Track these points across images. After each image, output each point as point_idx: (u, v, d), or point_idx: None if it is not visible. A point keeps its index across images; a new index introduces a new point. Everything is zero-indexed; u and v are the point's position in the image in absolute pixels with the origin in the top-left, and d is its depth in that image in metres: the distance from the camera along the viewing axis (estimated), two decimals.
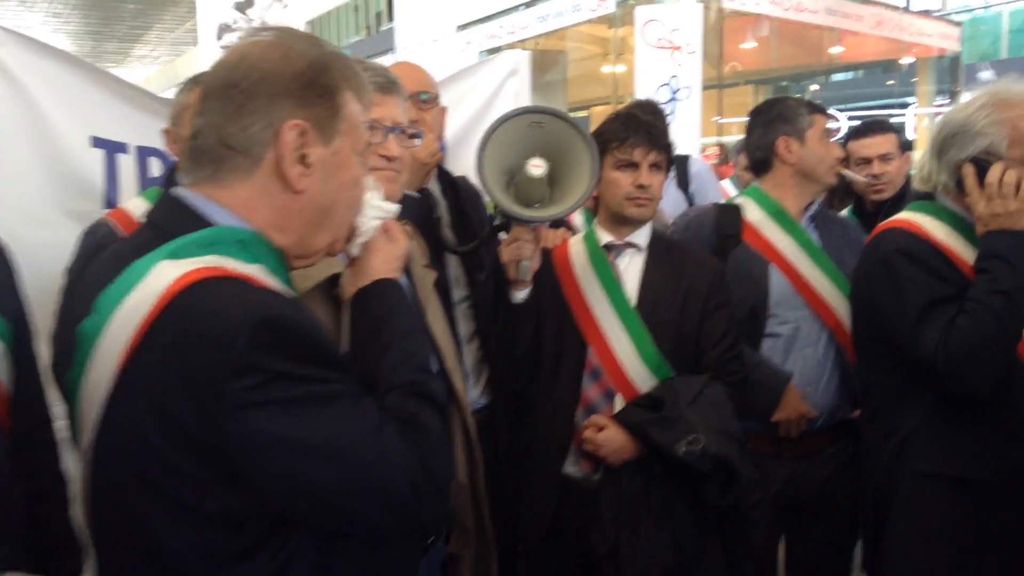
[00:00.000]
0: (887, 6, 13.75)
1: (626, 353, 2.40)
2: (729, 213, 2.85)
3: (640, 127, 2.44)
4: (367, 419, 1.20)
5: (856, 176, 3.64)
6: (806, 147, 2.81)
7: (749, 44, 14.42)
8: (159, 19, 25.76)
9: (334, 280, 1.57)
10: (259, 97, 1.25)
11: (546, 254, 2.53)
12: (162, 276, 1.13)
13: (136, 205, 2.69)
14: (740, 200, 2.92)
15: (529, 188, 2.21)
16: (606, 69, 14.86)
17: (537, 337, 2.46)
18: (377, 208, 1.47)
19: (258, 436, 1.10)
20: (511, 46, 13.10)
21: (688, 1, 9.64)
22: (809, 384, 2.73)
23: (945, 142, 2.18)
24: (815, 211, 2.89)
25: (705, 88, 9.13)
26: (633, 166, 2.44)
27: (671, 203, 3.99)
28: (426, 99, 2.62)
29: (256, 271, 1.21)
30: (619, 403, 2.40)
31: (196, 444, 1.10)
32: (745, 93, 16.86)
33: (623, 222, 2.50)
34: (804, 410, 2.70)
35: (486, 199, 2.66)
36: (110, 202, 3.07)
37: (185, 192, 1.28)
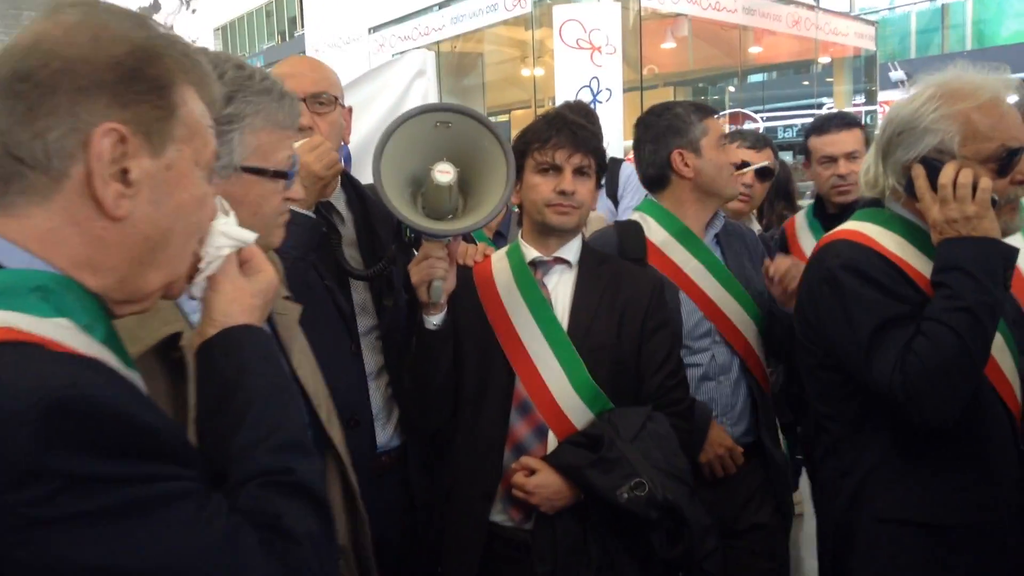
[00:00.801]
0: (804, 5, 13.85)
1: (558, 383, 2.13)
2: (631, 233, 2.61)
3: (564, 127, 2.17)
4: (214, 528, 0.88)
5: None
6: (703, 158, 2.58)
7: (668, 45, 14.39)
8: None
9: (174, 341, 1.23)
10: (60, 93, 0.92)
11: (466, 273, 2.24)
12: None
13: None
14: (637, 217, 2.68)
15: (437, 198, 1.94)
16: (525, 72, 14.68)
17: (457, 368, 2.17)
18: (226, 235, 1.14)
19: (53, 566, 0.79)
20: (427, 48, 12.82)
21: (606, 0, 9.47)
22: (726, 413, 2.57)
23: (891, 142, 1.94)
24: (720, 228, 2.69)
25: (626, 91, 8.96)
26: (556, 169, 2.17)
27: (601, 210, 3.74)
28: (325, 100, 2.29)
29: (57, 329, 0.88)
30: (552, 441, 2.12)
31: None
32: (667, 95, 16.89)
33: (548, 233, 2.23)
34: (730, 444, 2.52)
35: None
36: None
37: None
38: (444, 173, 1.90)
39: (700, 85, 19.75)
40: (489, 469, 2.13)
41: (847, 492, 1.96)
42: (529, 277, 2.22)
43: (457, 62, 15.20)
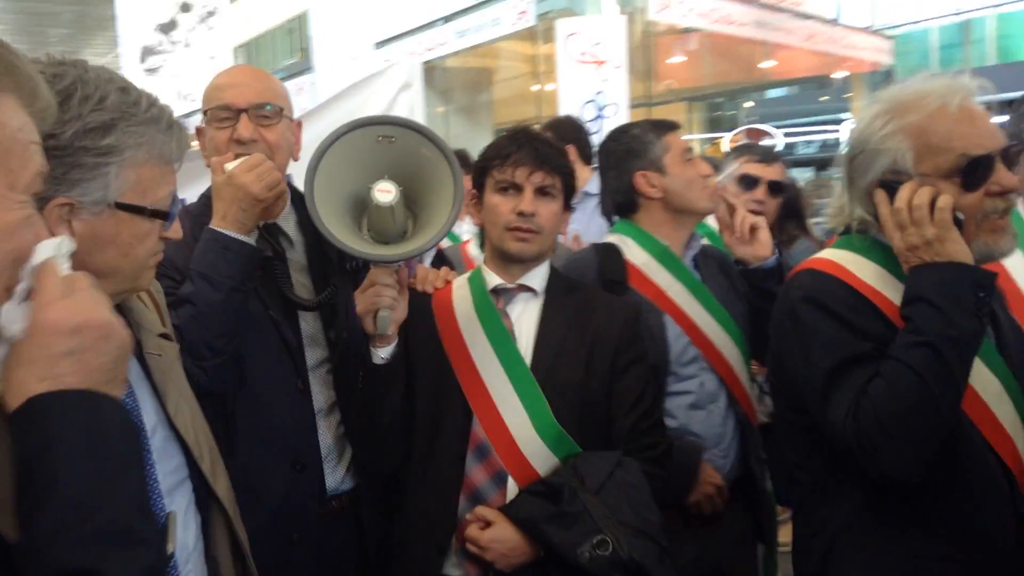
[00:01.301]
0: (818, 19, 13.59)
1: (520, 425, 1.93)
2: (611, 255, 2.45)
3: (526, 142, 1.99)
4: None
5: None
6: (668, 176, 2.43)
7: (677, 59, 14.19)
8: (89, 43, 24.81)
9: None
10: None
11: (425, 300, 2.06)
12: None
13: None
14: (615, 239, 2.51)
15: (381, 220, 1.78)
16: (535, 88, 14.55)
17: (410, 405, 1.97)
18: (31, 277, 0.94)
19: None
20: (433, 64, 12.67)
21: (611, 13, 9.30)
22: (717, 445, 2.40)
23: (849, 167, 1.74)
24: (698, 249, 2.54)
25: (634, 106, 8.77)
26: (516, 188, 1.99)
27: (596, 232, 3.53)
28: (270, 112, 2.10)
29: None
30: (512, 489, 1.92)
31: None
32: (678, 110, 16.65)
33: (510, 259, 2.04)
34: (718, 482, 2.36)
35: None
36: None
37: None
38: (385, 192, 1.73)
39: (717, 100, 19.53)
40: (442, 519, 1.93)
41: (817, 554, 1.73)
42: (490, 306, 2.03)
43: (470, 79, 15.07)
